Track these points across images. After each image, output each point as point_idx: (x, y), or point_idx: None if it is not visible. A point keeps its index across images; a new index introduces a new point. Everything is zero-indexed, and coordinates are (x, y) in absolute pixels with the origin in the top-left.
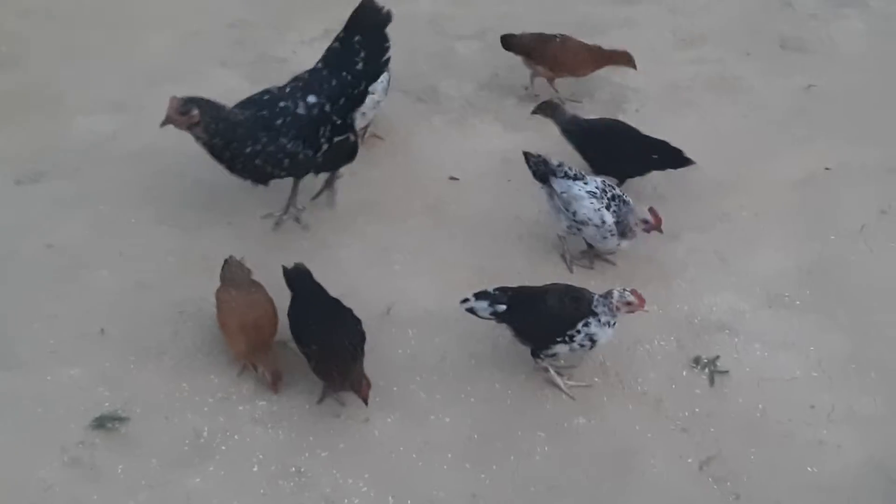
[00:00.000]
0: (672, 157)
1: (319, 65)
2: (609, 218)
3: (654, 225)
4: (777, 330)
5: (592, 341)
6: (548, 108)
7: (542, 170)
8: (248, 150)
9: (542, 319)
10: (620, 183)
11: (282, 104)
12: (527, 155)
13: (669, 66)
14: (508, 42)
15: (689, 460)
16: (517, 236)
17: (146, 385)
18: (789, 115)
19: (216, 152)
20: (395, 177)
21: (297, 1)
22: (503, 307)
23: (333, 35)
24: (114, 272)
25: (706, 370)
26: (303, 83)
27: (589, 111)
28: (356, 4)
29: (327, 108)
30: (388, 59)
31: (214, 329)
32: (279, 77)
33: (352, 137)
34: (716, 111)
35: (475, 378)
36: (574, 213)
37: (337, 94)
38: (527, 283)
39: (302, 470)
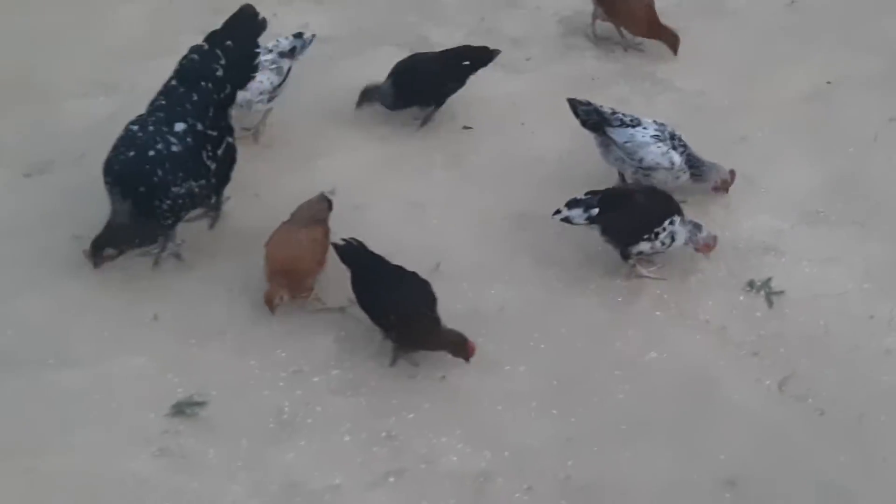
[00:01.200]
0: (481, 56)
1: (173, 82)
2: (677, 158)
3: (730, 183)
4: (820, 245)
5: (672, 240)
6: (366, 96)
7: (594, 119)
8: (149, 218)
9: (633, 215)
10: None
11: (151, 152)
12: (574, 103)
13: None
14: None
15: (767, 382)
16: (544, 178)
17: (214, 367)
18: (779, 33)
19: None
20: (407, 131)
21: None
22: (596, 210)
23: None
24: (150, 256)
25: (762, 292)
26: (163, 113)
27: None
28: None
29: (199, 126)
30: (257, 66)
31: (264, 305)
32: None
33: (230, 139)
34: (707, 37)
35: (539, 324)
36: (641, 160)
37: (203, 108)
38: (566, 228)
39: (393, 434)
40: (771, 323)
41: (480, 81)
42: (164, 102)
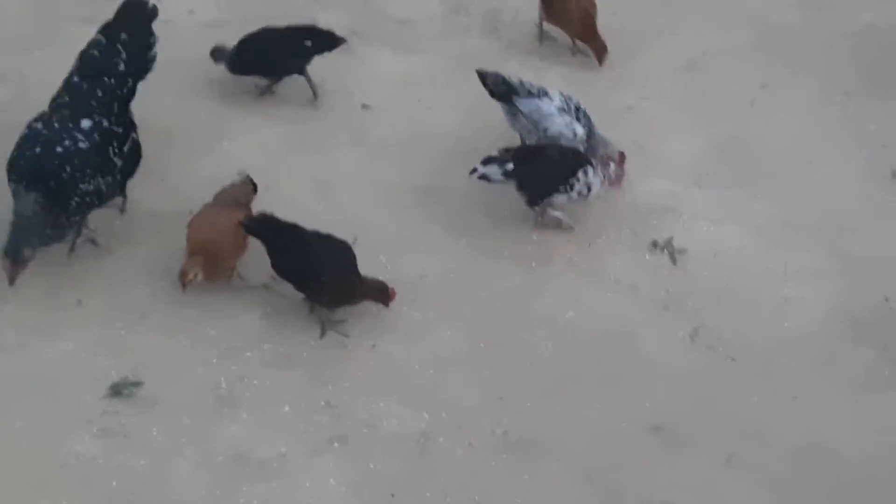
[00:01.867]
0: (326, 40)
1: (75, 78)
2: (580, 129)
3: (620, 160)
4: (713, 205)
5: (589, 189)
6: (213, 55)
7: (502, 89)
8: (61, 217)
9: (547, 168)
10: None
11: (59, 149)
12: (482, 74)
13: None
14: None
15: (679, 334)
16: (446, 152)
17: (144, 348)
18: (651, 6)
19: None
20: (309, 110)
21: None
22: (511, 165)
23: None
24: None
25: (665, 251)
26: (68, 110)
27: (467, 27)
28: None
29: (105, 123)
30: (155, 56)
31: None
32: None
33: (134, 136)
34: None
35: (459, 291)
36: (545, 130)
37: (108, 104)
38: (474, 198)
39: (332, 402)
40: (677, 279)
41: (373, 61)
42: (67, 99)
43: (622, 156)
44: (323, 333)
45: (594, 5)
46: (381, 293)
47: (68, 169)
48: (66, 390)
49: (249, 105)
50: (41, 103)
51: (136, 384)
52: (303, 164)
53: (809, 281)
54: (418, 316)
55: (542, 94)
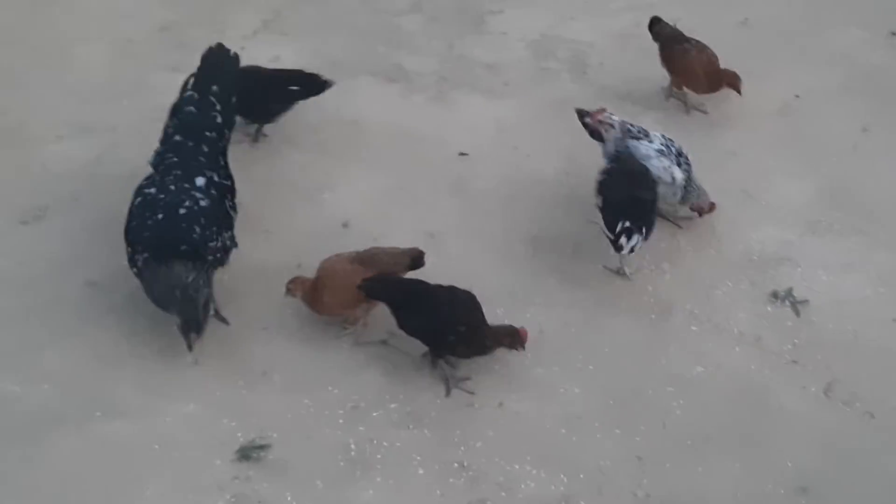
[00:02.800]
0: (312, 84)
1: (177, 137)
2: (679, 174)
3: (706, 211)
4: (830, 254)
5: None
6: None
7: (609, 131)
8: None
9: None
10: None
11: (182, 210)
12: (581, 112)
13: (609, 17)
14: (651, 26)
15: (813, 389)
16: (551, 200)
17: (267, 408)
18: (737, 50)
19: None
20: (406, 160)
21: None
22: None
23: (273, 27)
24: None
25: (787, 302)
26: (180, 170)
27: (556, 72)
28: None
29: (216, 178)
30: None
31: (303, 343)
32: None
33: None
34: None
35: (581, 345)
36: None
37: (214, 158)
38: (582, 248)
39: (465, 464)
40: (802, 331)
41: (464, 107)
42: (176, 159)
43: (712, 206)
44: (448, 391)
45: (716, 56)
46: (512, 336)
47: (197, 229)
48: (194, 455)
49: (346, 155)
50: (132, 155)
51: (264, 447)
52: (406, 215)
53: None
54: (542, 372)
55: (643, 134)
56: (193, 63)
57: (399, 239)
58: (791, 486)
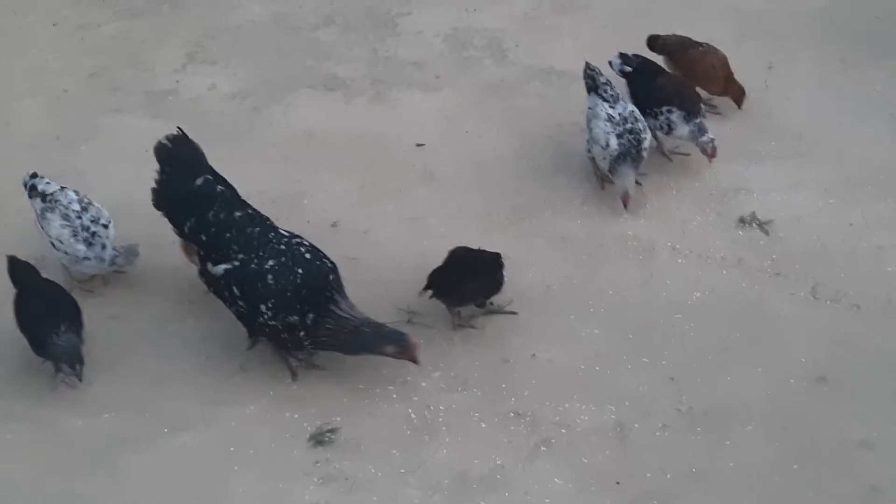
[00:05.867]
0: None
1: (237, 213)
2: (614, 143)
3: (623, 200)
4: (777, 177)
5: (670, 128)
6: None
7: (588, 83)
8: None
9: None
10: None
11: (308, 255)
12: (587, 64)
13: (508, 4)
14: (653, 43)
15: (801, 294)
16: (516, 174)
17: (324, 397)
18: (636, 16)
19: None
20: (369, 158)
21: (139, 39)
22: (629, 69)
23: (200, 58)
24: (215, 313)
25: (753, 224)
26: (272, 231)
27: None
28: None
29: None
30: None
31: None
32: (182, 108)
33: None
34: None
35: (586, 293)
36: (591, 130)
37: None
38: (561, 209)
39: (520, 412)
40: (776, 247)
41: (406, 103)
42: (258, 229)
43: (627, 196)
44: (456, 326)
45: (726, 58)
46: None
47: (331, 276)
48: (270, 449)
49: (309, 162)
50: (108, 196)
51: (334, 430)
52: (389, 208)
53: (891, 228)
54: (561, 322)
55: (614, 100)
56: (135, 101)
57: (386, 229)
58: (810, 378)
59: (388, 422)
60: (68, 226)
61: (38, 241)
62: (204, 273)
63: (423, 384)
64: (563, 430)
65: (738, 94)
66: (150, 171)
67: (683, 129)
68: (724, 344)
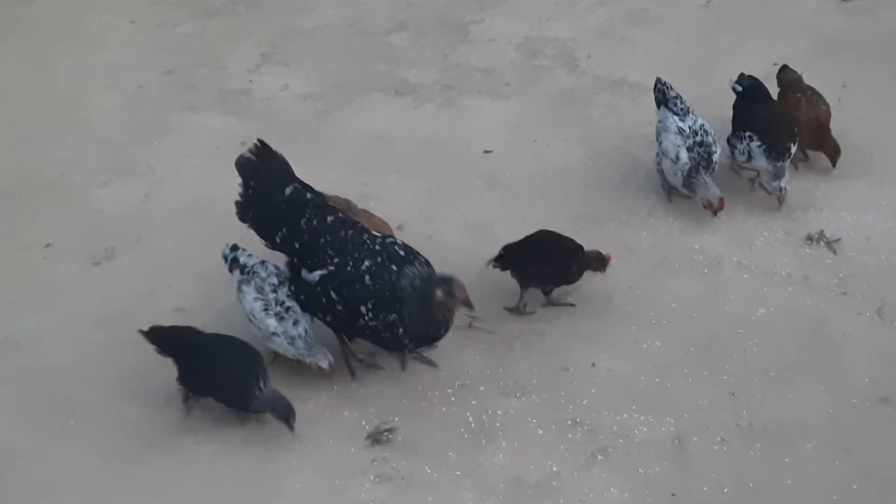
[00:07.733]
0: None
1: (329, 218)
2: (684, 156)
3: (715, 208)
4: (847, 196)
5: (749, 155)
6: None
7: (658, 97)
8: None
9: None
10: None
11: (402, 252)
12: (658, 79)
13: (581, 14)
14: (779, 73)
15: (868, 314)
16: (582, 183)
17: (383, 397)
18: (706, 31)
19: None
20: (436, 163)
21: (214, 39)
22: (740, 89)
23: (273, 59)
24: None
25: (821, 243)
26: (358, 239)
27: (550, 68)
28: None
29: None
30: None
31: None
32: (255, 108)
33: None
34: (648, 41)
35: (650, 304)
36: (660, 143)
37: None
38: (626, 219)
39: (578, 420)
40: (843, 266)
41: (475, 110)
42: (352, 231)
43: (721, 201)
44: (514, 310)
45: (828, 113)
46: (600, 260)
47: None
48: (328, 446)
49: (377, 165)
50: (178, 189)
51: (391, 430)
52: (454, 213)
53: None
54: (622, 332)
55: (684, 112)
56: (208, 99)
57: (451, 234)
58: (873, 398)
59: (446, 424)
60: (261, 299)
61: (106, 235)
62: (296, 284)
63: (482, 388)
64: (620, 440)
65: (832, 154)
66: (220, 167)
67: (761, 162)
68: (787, 361)
